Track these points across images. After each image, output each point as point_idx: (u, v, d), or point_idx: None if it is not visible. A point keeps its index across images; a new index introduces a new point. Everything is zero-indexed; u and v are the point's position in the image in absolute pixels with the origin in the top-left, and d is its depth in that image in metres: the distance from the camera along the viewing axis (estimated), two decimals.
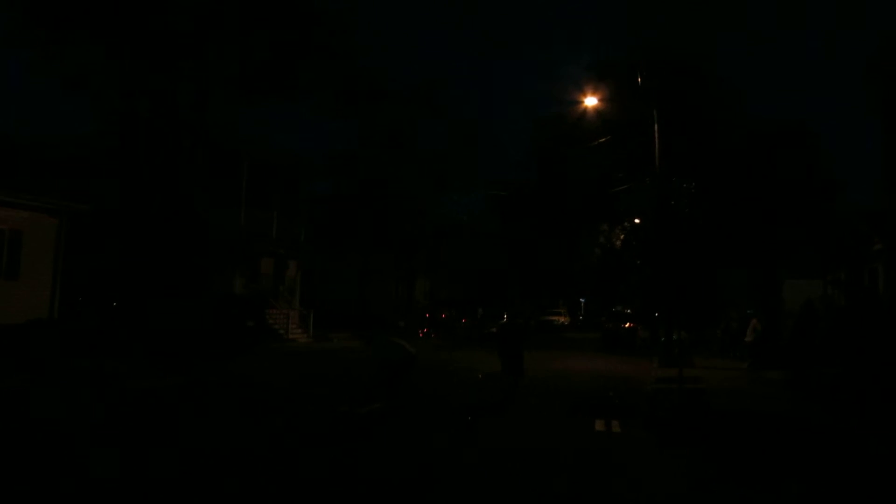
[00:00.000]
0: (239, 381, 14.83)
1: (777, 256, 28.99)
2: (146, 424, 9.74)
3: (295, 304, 29.13)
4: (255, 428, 9.65)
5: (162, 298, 21.21)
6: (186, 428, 9.58)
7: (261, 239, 27.04)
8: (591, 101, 23.07)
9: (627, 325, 34.89)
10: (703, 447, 9.18)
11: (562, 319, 51.16)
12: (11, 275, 17.19)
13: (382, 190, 35.84)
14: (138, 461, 7.46)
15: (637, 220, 32.33)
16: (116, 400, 11.65)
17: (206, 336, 19.86)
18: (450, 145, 38.69)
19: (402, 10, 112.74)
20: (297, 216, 29.52)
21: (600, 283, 54.62)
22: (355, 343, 24.42)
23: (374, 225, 36.02)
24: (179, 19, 20.53)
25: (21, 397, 11.33)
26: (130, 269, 21.55)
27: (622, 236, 36.39)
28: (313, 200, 33.28)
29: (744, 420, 11.77)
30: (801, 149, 29.42)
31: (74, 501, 6.09)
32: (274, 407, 11.47)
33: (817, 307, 21.49)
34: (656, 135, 17.21)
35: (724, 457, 8.68)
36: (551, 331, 44.31)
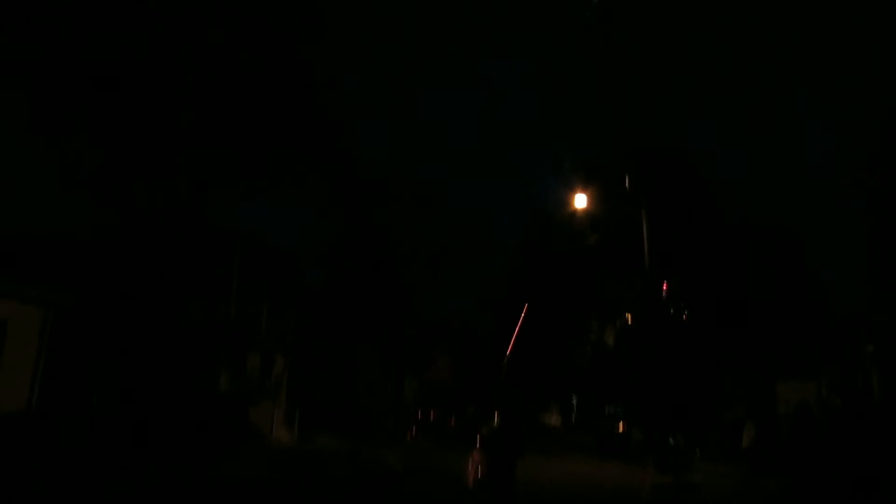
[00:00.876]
0: (217, 483, 14.19)
1: (769, 355, 28.80)
2: None
3: (281, 401, 28.41)
4: None
5: (144, 395, 20.63)
6: None
7: (249, 333, 26.71)
8: (580, 202, 23.58)
9: (621, 427, 34.10)
10: None
11: (554, 420, 50.11)
12: None
13: (373, 285, 35.84)
14: None
15: (628, 320, 32.29)
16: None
17: (187, 435, 19.20)
18: (440, 241, 39.09)
19: (394, 113, 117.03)
20: (286, 310, 29.32)
21: (592, 383, 53.84)
22: (342, 444, 23.66)
23: (363, 320, 35.76)
24: (180, 119, 21.12)
25: None
26: (113, 364, 21.07)
27: (614, 335, 36.24)
28: (303, 293, 33.18)
29: None
30: (787, 247, 29.88)
31: None
32: None
33: (813, 411, 21.15)
34: (645, 236, 17.45)
35: None
36: (544, 432, 43.25)
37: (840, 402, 23.19)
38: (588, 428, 43.71)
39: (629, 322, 31.99)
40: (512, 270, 47.26)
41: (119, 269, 22.06)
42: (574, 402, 67.17)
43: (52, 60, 19.17)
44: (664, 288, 23.17)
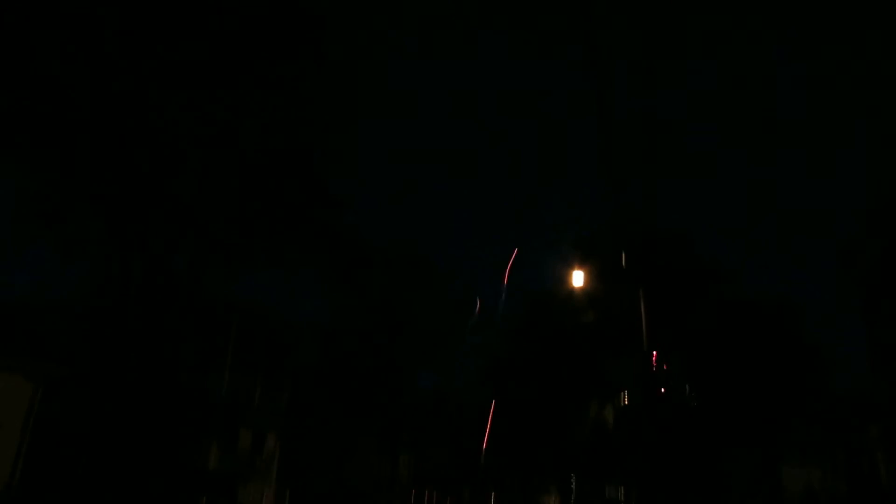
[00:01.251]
0: None
1: (771, 435, 28.20)
2: None
3: (271, 479, 27.61)
4: None
5: (131, 471, 20.05)
6: None
7: (241, 409, 26.23)
8: (577, 280, 23.61)
9: None
10: None
11: (552, 502, 48.57)
12: None
13: (370, 360, 35.43)
14: None
15: (628, 400, 31.81)
16: None
17: None
18: (438, 316, 38.92)
19: (392, 189, 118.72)
20: (280, 385, 28.90)
21: (591, 464, 52.47)
22: None
23: (358, 397, 35.15)
24: (180, 195, 21.37)
25: None
26: (101, 438, 20.58)
27: (613, 415, 35.59)
28: (298, 369, 32.75)
29: None
30: (787, 324, 29.73)
31: None
32: None
33: (819, 497, 20.58)
34: (643, 314, 17.38)
35: None
36: None
37: (846, 488, 22.58)
38: None
39: (628, 402, 31.51)
40: (511, 346, 46.85)
41: (112, 341, 21.85)
42: (573, 483, 65.21)
43: (55, 135, 19.54)
44: (664, 367, 22.94)
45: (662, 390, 22.84)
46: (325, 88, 23.01)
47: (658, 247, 27.01)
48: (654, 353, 19.09)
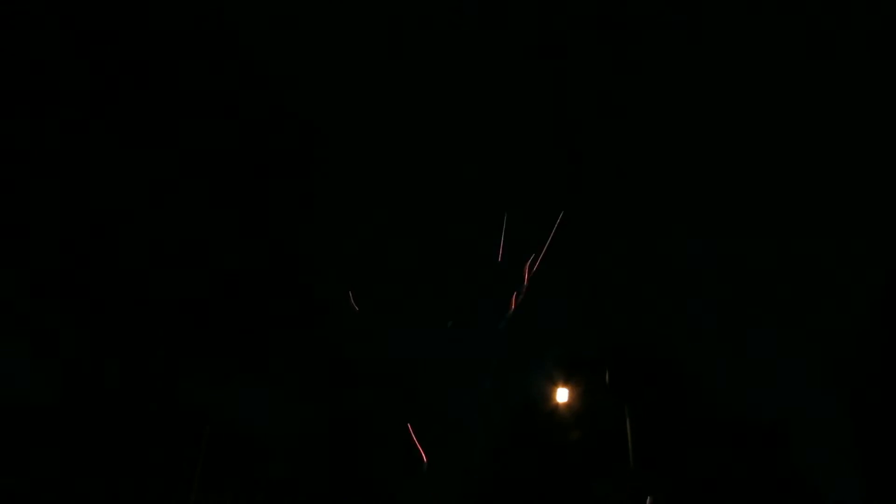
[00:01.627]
0: None
1: None
2: None
3: None
4: None
5: None
6: None
7: None
8: (561, 396, 23.30)
9: None
10: None
11: None
12: None
13: (344, 473, 34.05)
14: None
15: None
16: None
17: None
18: (417, 428, 37.80)
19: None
20: (252, 499, 27.47)
21: None
22: None
23: None
24: (157, 305, 21.30)
25: None
26: None
27: None
28: (270, 480, 31.29)
29: None
30: (777, 447, 29.15)
31: None
32: None
33: None
34: (628, 431, 17.08)
35: None
36: None
37: None
38: None
39: None
40: (495, 461, 45.28)
41: (78, 446, 20.95)
42: None
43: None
44: (651, 486, 22.19)
45: None
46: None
47: (644, 363, 26.86)
48: (642, 469, 18.57)
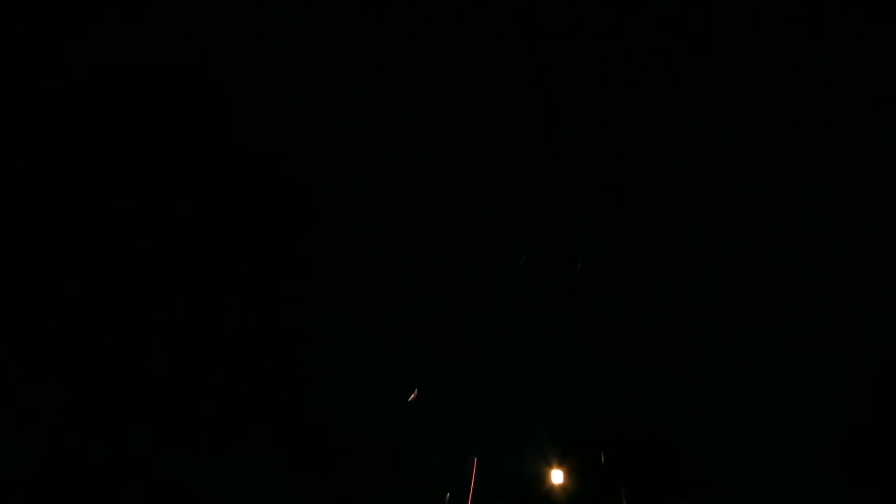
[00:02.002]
0: None
1: None
2: None
3: None
4: None
5: None
6: None
7: None
8: (556, 478, 22.72)
9: None
10: None
11: None
12: None
13: None
14: None
15: None
16: None
17: None
18: None
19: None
20: None
21: None
22: None
23: None
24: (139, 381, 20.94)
25: None
26: None
27: None
28: None
29: None
30: None
31: None
32: None
33: None
34: None
35: None
36: None
37: None
38: None
39: None
40: None
41: None
42: None
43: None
44: None
45: None
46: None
47: (640, 441, 26.36)
48: None
